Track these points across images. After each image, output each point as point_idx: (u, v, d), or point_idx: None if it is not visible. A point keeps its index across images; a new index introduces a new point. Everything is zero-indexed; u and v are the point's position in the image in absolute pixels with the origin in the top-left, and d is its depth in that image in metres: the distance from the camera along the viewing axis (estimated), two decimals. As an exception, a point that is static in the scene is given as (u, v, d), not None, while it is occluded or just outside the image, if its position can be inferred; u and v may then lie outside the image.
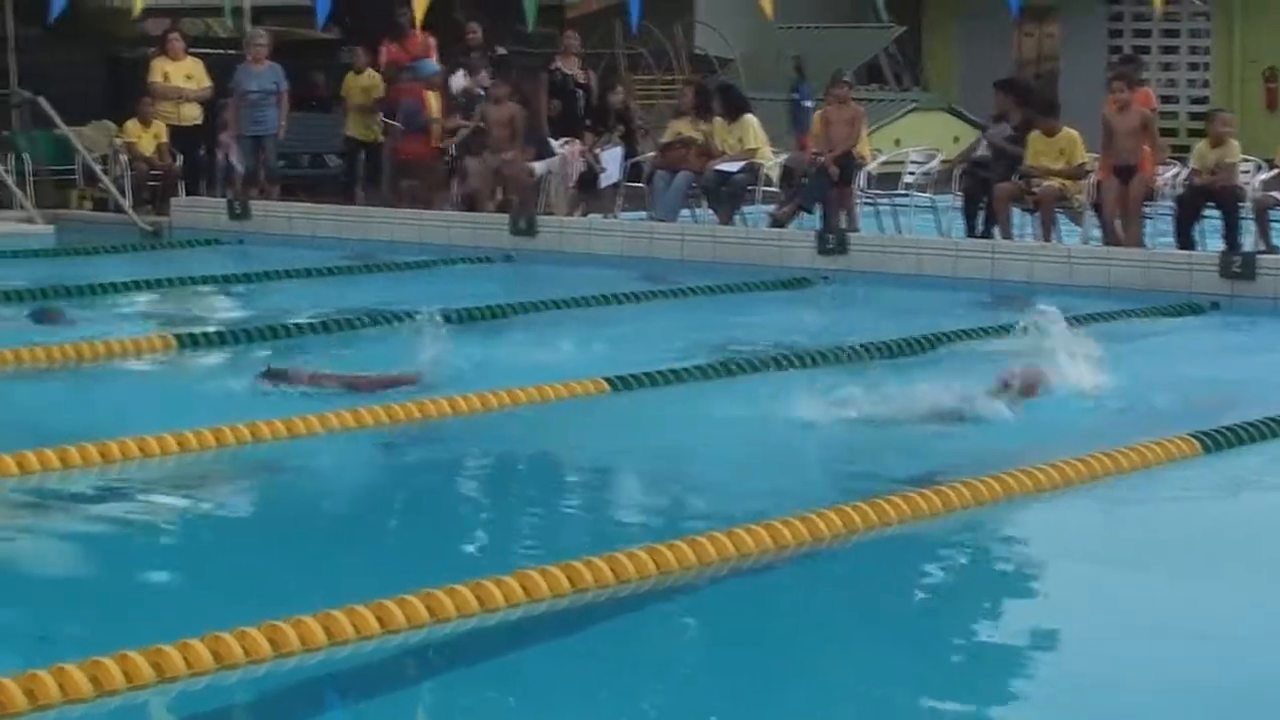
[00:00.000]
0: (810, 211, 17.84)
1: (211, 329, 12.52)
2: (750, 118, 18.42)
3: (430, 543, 7.50)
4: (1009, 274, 15.39)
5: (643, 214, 18.77)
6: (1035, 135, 16.52)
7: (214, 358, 11.11)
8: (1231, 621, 6.40)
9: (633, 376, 10.35)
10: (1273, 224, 15.75)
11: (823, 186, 17.64)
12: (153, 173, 20.75)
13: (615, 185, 19.48)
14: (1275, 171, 16.66)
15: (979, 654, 6.21)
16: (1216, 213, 15.87)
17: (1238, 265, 14.48)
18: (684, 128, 18.59)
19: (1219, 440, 8.87)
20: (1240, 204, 15.77)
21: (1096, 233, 16.39)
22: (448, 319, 12.40)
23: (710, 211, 18.51)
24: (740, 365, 10.92)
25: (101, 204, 20.92)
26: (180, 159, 20.89)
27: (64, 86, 22.39)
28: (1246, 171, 16.39)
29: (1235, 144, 15.93)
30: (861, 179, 18.08)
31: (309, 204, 20.23)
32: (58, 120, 20.86)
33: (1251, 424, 9.12)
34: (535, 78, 20.83)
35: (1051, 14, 31.31)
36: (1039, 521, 7.93)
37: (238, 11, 23.28)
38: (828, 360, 11.28)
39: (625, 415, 9.91)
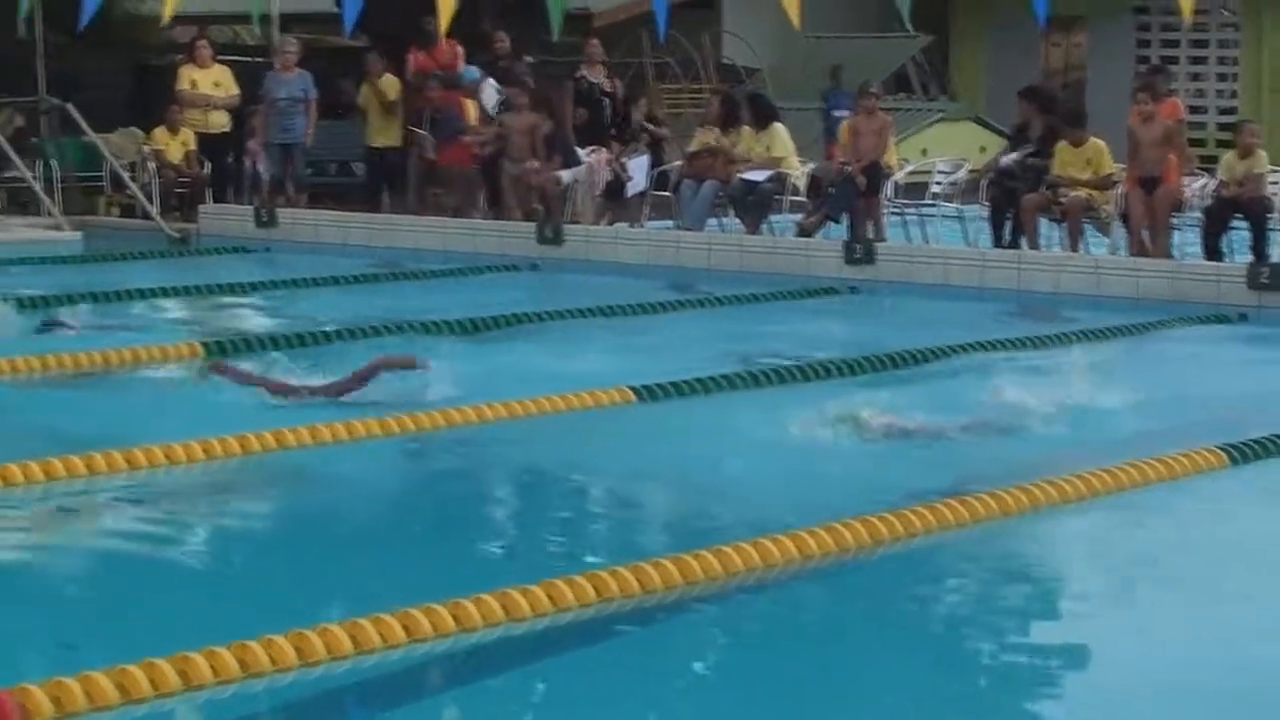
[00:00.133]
0: (838, 221, 17.84)
1: (238, 336, 12.53)
2: (779, 126, 18.43)
3: (456, 552, 7.50)
4: (1036, 285, 15.36)
5: (669, 223, 18.78)
6: (1062, 145, 16.50)
7: (241, 365, 11.10)
8: (1260, 635, 6.37)
9: (658, 386, 10.34)
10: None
11: (850, 196, 17.63)
12: (180, 180, 20.80)
13: (642, 194, 19.49)
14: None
15: (1004, 666, 6.19)
16: (1244, 224, 15.84)
17: (1265, 276, 14.46)
18: (710, 137, 18.59)
19: (1246, 452, 8.84)
20: (1268, 215, 15.74)
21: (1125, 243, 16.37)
22: (474, 327, 12.41)
23: (737, 221, 18.51)
24: (767, 375, 10.90)
25: (129, 211, 20.99)
26: (208, 166, 20.95)
27: (92, 93, 22.50)
28: (1275, 183, 16.35)
29: (1263, 155, 15.89)
30: (889, 189, 18.07)
31: (336, 212, 20.27)
32: (85, 127, 20.93)
33: (1279, 436, 9.09)
34: (561, 86, 20.85)
35: (1079, 24, 31.23)
36: (1065, 533, 7.90)
37: (266, 19, 23.33)
38: (854, 370, 11.27)
39: (651, 425, 9.90)
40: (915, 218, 18.43)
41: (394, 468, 9.12)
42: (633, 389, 10.23)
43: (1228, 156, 16.20)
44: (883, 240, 17.42)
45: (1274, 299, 14.30)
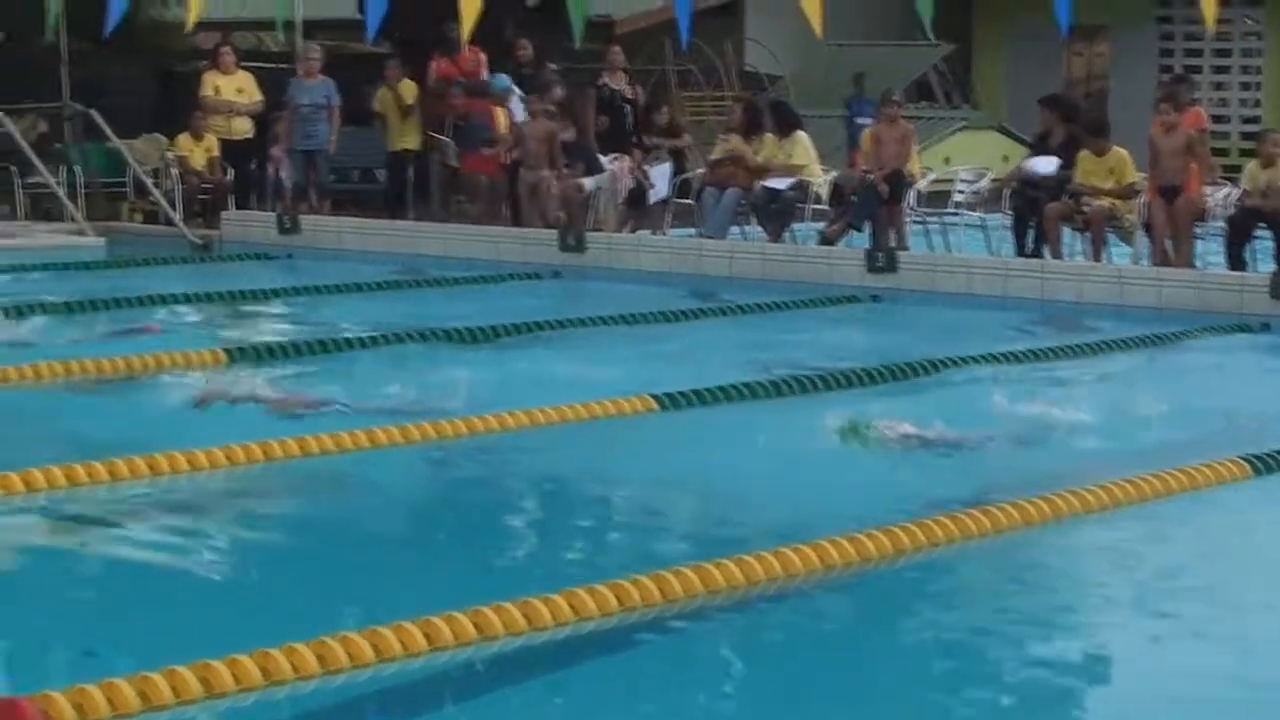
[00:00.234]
0: (860, 229, 17.83)
1: (261, 343, 12.55)
2: (801, 134, 18.43)
3: (477, 559, 7.50)
4: (1059, 294, 15.35)
5: (691, 231, 18.78)
6: (1085, 155, 16.48)
7: (264, 371, 11.12)
8: (1282, 647, 6.37)
9: (680, 394, 10.34)
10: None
11: (873, 204, 17.62)
12: (204, 186, 20.85)
13: (664, 201, 19.49)
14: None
15: (1026, 677, 6.17)
16: (1268, 233, 15.81)
17: (1289, 286, 14.42)
18: (733, 144, 18.59)
19: (1270, 463, 8.81)
20: (1292, 225, 15.71)
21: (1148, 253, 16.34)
22: (496, 334, 12.41)
23: (759, 228, 18.50)
24: (789, 383, 10.90)
25: (152, 217, 21.04)
26: (231, 172, 20.99)
27: (116, 100, 22.59)
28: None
29: (1287, 164, 15.86)
30: (911, 197, 18.06)
31: (359, 219, 20.31)
32: (109, 133, 20.98)
33: (1303, 446, 9.08)
34: (583, 94, 20.87)
35: (1102, 33, 31.19)
36: (1087, 543, 7.87)
37: (289, 25, 23.39)
38: (876, 379, 11.26)
39: (673, 433, 9.90)
40: (938, 226, 18.42)
41: (416, 475, 9.12)
42: (655, 397, 10.23)
43: (1251, 166, 16.16)
44: (905, 249, 17.41)
45: (1297, 308, 14.28)
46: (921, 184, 18.39)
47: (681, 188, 19.48)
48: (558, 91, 19.84)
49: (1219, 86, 30.56)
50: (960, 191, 18.63)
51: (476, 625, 5.99)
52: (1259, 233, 15.89)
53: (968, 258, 16.99)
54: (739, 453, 9.45)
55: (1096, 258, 16.32)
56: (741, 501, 8.52)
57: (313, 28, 25.13)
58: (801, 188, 18.15)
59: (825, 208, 18.09)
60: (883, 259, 16.42)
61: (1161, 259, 15.99)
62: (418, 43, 21.87)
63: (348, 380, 10.90)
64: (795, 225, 18.33)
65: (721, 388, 10.60)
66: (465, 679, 5.92)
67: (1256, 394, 11.49)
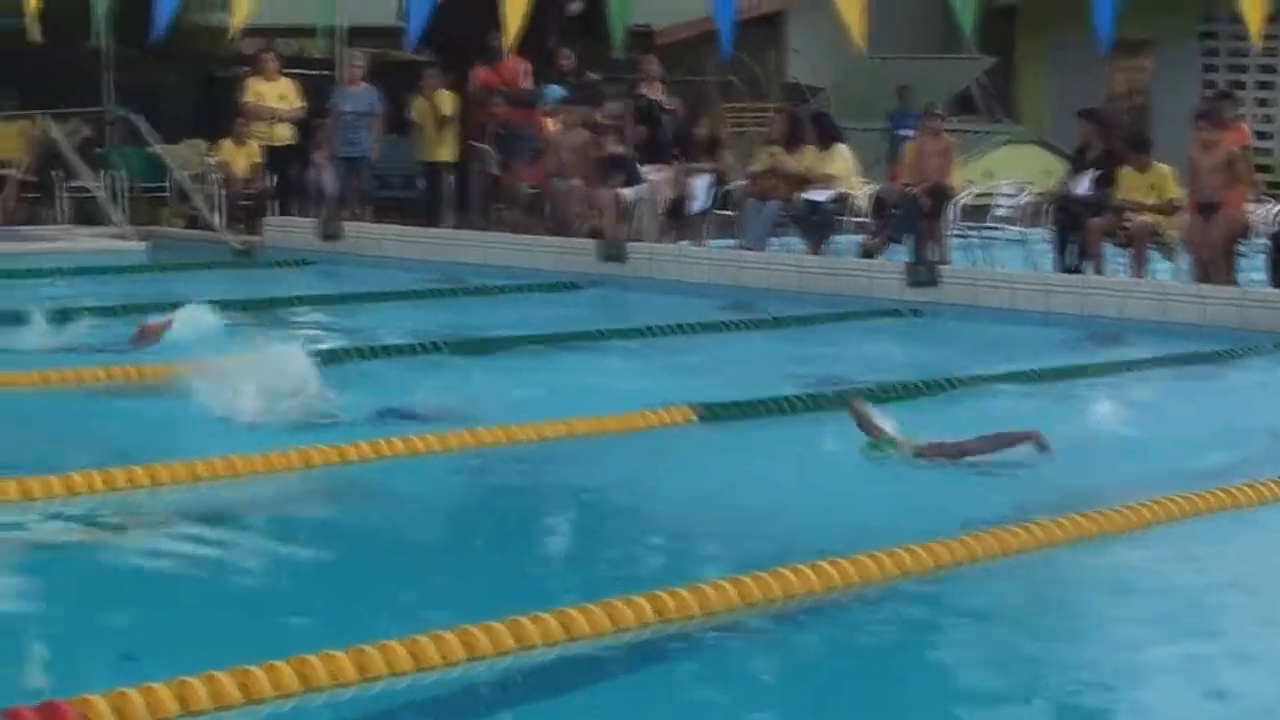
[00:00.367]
0: (900, 242, 17.80)
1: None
2: (842, 147, 18.42)
3: (515, 569, 7.50)
4: (1101, 310, 15.29)
5: (731, 242, 18.77)
6: (1127, 170, 16.43)
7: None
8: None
9: (720, 406, 10.33)
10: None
11: (913, 217, 17.60)
12: (245, 192, 20.91)
13: (704, 212, 19.49)
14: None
15: (1062, 694, 6.14)
16: (1311, 251, 15.76)
17: (1332, 304, 14.37)
18: (774, 156, 18.58)
19: (1313, 483, 8.77)
20: (1336, 242, 15.64)
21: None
22: (536, 343, 12.40)
23: (799, 240, 18.49)
24: (828, 396, 10.87)
25: (193, 222, 21.13)
26: (273, 179, 21.05)
27: (160, 105, 22.66)
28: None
29: (1330, 181, 15.82)
30: (952, 211, 18.02)
31: (400, 226, 20.35)
32: (150, 137, 21.05)
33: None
34: (623, 104, 20.87)
35: (1145, 47, 31.07)
36: (1126, 561, 7.82)
37: (331, 32, 23.44)
38: (915, 393, 11.23)
39: (712, 445, 9.89)
40: (978, 241, 18.37)
41: (454, 484, 9.13)
42: (694, 408, 10.22)
43: (1295, 182, 16.12)
44: (946, 263, 17.37)
45: (1341, 328, 14.21)
46: (963, 198, 18.36)
47: (722, 199, 19.46)
48: (614, 106, 19.85)
49: (1263, 103, 30.42)
50: (1000, 205, 18.59)
51: (514, 636, 5.98)
52: (1302, 250, 15.83)
53: (1010, 273, 16.94)
54: (777, 465, 9.43)
55: (1139, 274, 16.26)
56: (779, 514, 8.50)
57: (355, 35, 25.15)
58: (841, 200, 18.13)
59: (866, 220, 18.07)
60: (924, 273, 16.38)
61: (1201, 275, 15.92)
62: (459, 50, 21.90)
63: (385, 388, 10.90)
64: (835, 238, 18.30)
65: (761, 400, 10.59)
66: (502, 689, 5.91)
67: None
